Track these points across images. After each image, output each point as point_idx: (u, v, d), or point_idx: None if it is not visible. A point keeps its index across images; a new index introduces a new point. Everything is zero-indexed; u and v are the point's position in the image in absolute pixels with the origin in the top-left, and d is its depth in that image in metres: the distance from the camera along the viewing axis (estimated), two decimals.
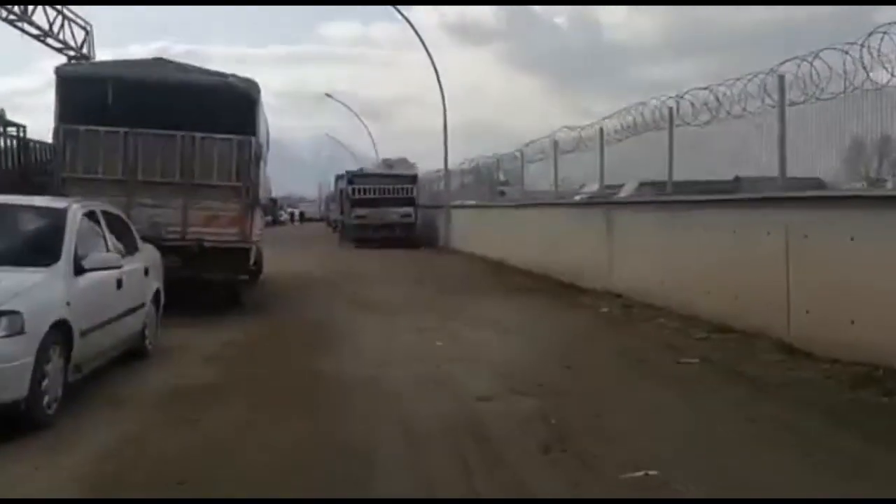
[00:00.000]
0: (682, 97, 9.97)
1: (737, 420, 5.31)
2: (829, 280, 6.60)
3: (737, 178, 11.17)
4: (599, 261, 12.18)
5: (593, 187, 16.06)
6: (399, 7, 26.40)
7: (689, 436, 4.96)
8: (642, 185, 13.98)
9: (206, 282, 10.84)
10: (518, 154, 17.81)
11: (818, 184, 7.67)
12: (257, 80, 11.11)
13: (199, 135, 10.60)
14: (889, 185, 8.06)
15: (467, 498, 4.13)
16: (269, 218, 58.92)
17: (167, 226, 10.52)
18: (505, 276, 15.48)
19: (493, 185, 23.72)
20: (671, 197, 10.00)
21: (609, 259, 11.86)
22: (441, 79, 26.49)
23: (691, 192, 11.88)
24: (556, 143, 14.85)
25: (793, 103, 7.26)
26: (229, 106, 10.74)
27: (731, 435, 4.99)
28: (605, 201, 12.14)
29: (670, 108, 10.12)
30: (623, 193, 14.75)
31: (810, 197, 7.14)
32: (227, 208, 10.69)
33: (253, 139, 10.76)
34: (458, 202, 24.89)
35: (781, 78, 7.37)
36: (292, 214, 71.14)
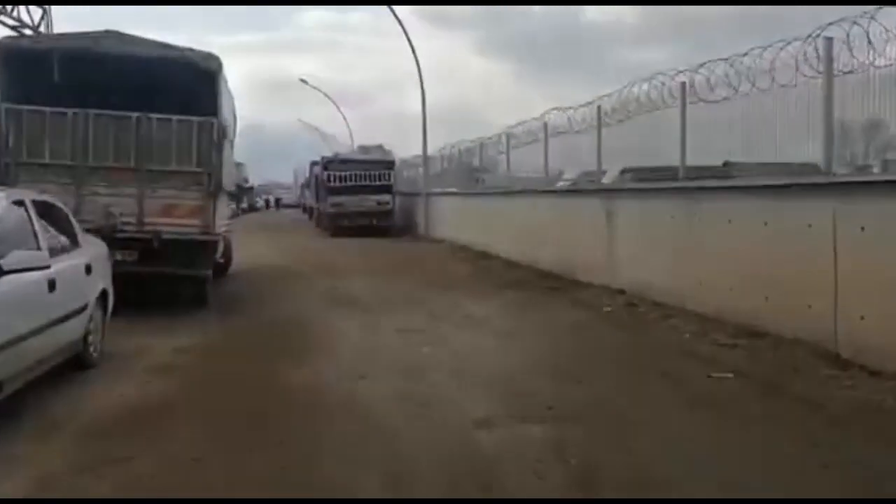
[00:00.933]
0: (696, 71, 8.93)
1: (817, 469, 4.17)
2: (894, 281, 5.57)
3: (726, 164, 10.50)
4: (598, 253, 11.16)
5: (572, 174, 15.25)
6: None
7: (762, 489, 3.91)
8: (625, 171, 13.08)
9: (166, 278, 9.67)
10: (503, 137, 16.71)
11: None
12: (228, 62, 9.93)
13: (155, 116, 9.38)
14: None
15: (467, 498, 3.89)
16: (243, 206, 57.72)
17: (122, 216, 9.31)
18: (492, 268, 14.42)
19: (471, 171, 22.67)
20: (687, 183, 8.97)
21: (609, 251, 10.85)
22: (417, 67, 25.23)
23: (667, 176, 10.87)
24: (545, 126, 13.79)
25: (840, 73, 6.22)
26: (188, 83, 9.50)
27: (819, 493, 3.87)
28: (605, 188, 11.10)
29: (683, 83, 9.08)
30: (606, 180, 13.77)
31: (872, 182, 6.11)
32: (187, 197, 9.49)
33: (215, 120, 9.54)
34: (438, 189, 23.76)
35: (829, 42, 6.32)
36: (268, 201, 69.68)
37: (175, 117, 9.42)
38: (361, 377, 6.29)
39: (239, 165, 78.73)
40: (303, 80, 44.52)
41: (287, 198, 70.05)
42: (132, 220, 9.35)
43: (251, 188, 73.03)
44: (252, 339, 8.13)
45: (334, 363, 6.85)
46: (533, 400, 5.54)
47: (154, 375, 6.40)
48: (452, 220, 20.95)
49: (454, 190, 21.61)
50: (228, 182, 11.26)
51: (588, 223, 11.53)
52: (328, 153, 33.70)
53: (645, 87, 9.76)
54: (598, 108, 11.35)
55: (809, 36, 6.51)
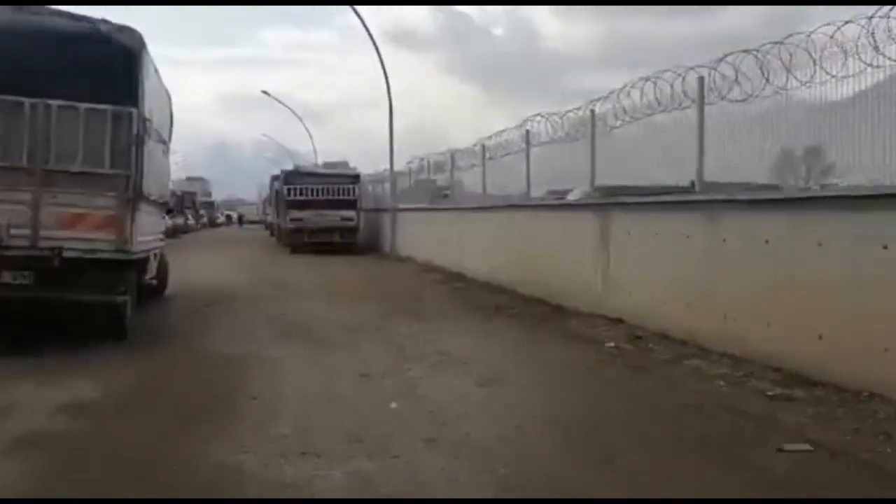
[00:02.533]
0: (714, 68, 7.33)
1: None
2: None
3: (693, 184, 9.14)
4: (590, 276, 9.46)
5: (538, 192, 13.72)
6: (339, 10, 23.29)
7: None
8: (598, 189, 11.46)
9: (71, 306, 7.69)
10: (478, 148, 15.00)
11: None
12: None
13: (55, 102, 7.41)
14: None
15: (467, 498, 3.73)
16: (204, 221, 55.30)
17: (11, 228, 7.31)
18: (467, 292, 12.62)
19: (437, 189, 21.06)
20: (706, 196, 7.30)
21: (604, 274, 9.14)
22: (385, 79, 23.44)
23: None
24: (527, 134, 12.10)
25: None
26: (102, 64, 7.58)
27: None
28: (600, 202, 9.39)
29: (700, 78, 7.46)
30: (571, 198, 12.14)
31: None
32: (97, 205, 7.53)
33: (134, 110, 7.62)
34: (405, 205, 21.94)
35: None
36: (229, 217, 67.32)
37: (82, 105, 7.47)
38: (304, 453, 4.43)
39: (202, 181, 76.57)
40: (265, 93, 42.44)
41: (251, 214, 67.90)
42: (25, 232, 7.35)
43: (212, 203, 70.96)
44: (168, 389, 6.17)
45: (270, 429, 4.96)
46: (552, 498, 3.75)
47: (18, 453, 4.45)
48: (422, 237, 19.14)
49: (424, 205, 19.82)
50: (157, 190, 9.29)
51: (578, 241, 9.84)
52: (291, 167, 31.67)
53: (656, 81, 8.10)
54: (592, 112, 9.68)
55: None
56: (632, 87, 8.63)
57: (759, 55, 6.98)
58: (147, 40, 7.97)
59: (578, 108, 10.14)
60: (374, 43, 23.07)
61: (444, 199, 20.03)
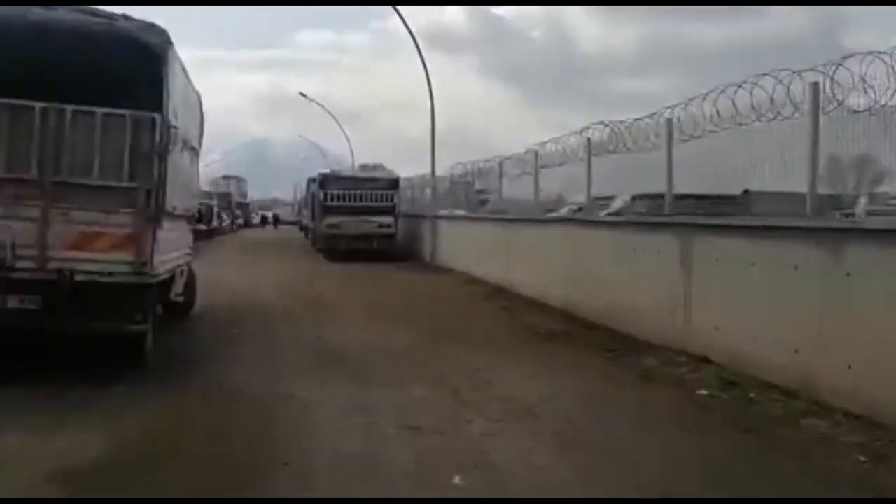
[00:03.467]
0: (828, 74, 6.15)
1: None
2: None
3: (746, 192, 8.53)
4: (666, 304, 8.31)
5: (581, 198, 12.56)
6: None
7: None
8: (636, 198, 10.79)
9: (82, 336, 6.83)
10: (528, 156, 13.89)
11: None
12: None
13: (69, 107, 6.55)
14: None
15: (467, 498, 3.72)
16: (239, 222, 54.93)
17: (17, 248, 6.45)
18: (517, 311, 11.53)
19: (475, 193, 20.13)
20: (823, 222, 6.12)
21: (684, 303, 7.99)
22: (423, 83, 22.46)
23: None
24: (588, 142, 10.98)
25: None
26: (120, 64, 6.72)
27: None
28: (681, 222, 8.22)
29: (815, 84, 6.26)
30: (614, 208, 11.19)
31: None
32: (113, 222, 6.65)
33: (158, 116, 6.71)
34: (445, 212, 20.93)
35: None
36: (265, 217, 66.99)
37: (100, 110, 6.60)
38: None
39: (238, 180, 76.32)
40: (302, 94, 41.85)
41: (286, 214, 67.47)
42: (32, 252, 6.49)
43: (247, 204, 70.72)
44: (182, 448, 5.19)
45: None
46: None
47: None
48: (464, 247, 18.08)
49: (465, 213, 18.78)
50: (184, 202, 8.40)
51: (652, 264, 8.70)
52: (328, 170, 30.87)
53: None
54: (668, 121, 8.53)
55: None
56: (721, 93, 7.46)
57: (891, 59, 5.80)
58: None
59: (651, 115, 8.99)
60: (417, 45, 22.07)
61: (484, 206, 19.02)
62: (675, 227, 8.29)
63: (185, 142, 7.98)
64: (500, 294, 13.46)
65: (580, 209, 13.36)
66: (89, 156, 6.60)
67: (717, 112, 7.48)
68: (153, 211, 6.71)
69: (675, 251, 8.17)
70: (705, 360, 7.43)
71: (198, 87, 9.36)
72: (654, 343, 8.43)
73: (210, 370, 7.32)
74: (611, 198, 12.15)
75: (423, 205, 24.64)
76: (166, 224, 7.13)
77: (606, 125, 10.65)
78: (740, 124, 7.25)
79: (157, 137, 6.71)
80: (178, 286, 9.45)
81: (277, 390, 6.57)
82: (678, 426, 5.67)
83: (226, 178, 72.77)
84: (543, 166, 13.27)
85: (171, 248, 7.76)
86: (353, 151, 44.15)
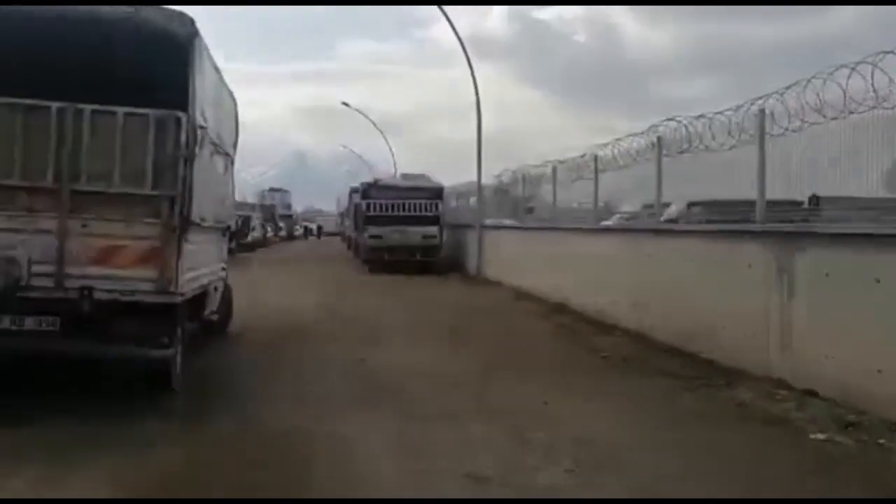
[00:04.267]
0: None
1: None
2: None
3: (815, 199, 7.50)
4: (758, 326, 7.31)
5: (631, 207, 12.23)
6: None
7: None
8: (693, 205, 10.04)
9: (102, 361, 6.19)
10: (586, 159, 12.96)
11: None
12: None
13: (88, 107, 5.92)
14: None
15: (467, 498, 3.80)
16: (282, 234, 54.98)
17: (31, 264, 5.82)
18: (577, 332, 10.58)
19: (518, 202, 19.30)
20: None
21: (783, 327, 6.97)
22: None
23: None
24: (658, 141, 10.01)
25: None
26: (142, 58, 6.05)
27: None
28: (778, 230, 7.21)
29: None
30: (668, 216, 10.34)
31: None
32: (135, 234, 5.99)
33: (183, 116, 6.03)
34: (493, 221, 20.07)
35: None
36: (308, 229, 67.04)
37: (120, 109, 5.95)
38: None
39: (282, 192, 76.61)
40: (345, 104, 41.54)
41: (329, 226, 67.45)
42: (48, 269, 5.86)
43: (291, 216, 70.91)
44: (204, 489, 4.45)
45: None
46: None
47: None
48: (514, 259, 17.16)
49: (515, 223, 17.89)
50: (215, 212, 7.71)
51: (740, 280, 7.70)
52: (371, 180, 30.30)
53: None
54: (761, 112, 7.53)
55: None
56: (827, 78, 6.46)
57: None
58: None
59: (738, 107, 8.01)
60: (465, 50, 21.31)
61: (530, 215, 18.17)
62: (769, 235, 7.27)
63: (215, 146, 7.30)
64: (556, 311, 12.52)
65: (631, 218, 12.75)
66: (110, 161, 5.95)
67: (821, 100, 6.47)
68: (179, 222, 6.01)
69: (769, 264, 7.16)
70: (811, 394, 6.41)
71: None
72: (742, 371, 7.43)
73: (244, 400, 6.57)
74: (663, 206, 11.32)
75: (466, 214, 23.86)
76: (194, 236, 6.43)
77: (679, 122, 9.68)
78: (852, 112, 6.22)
79: (183, 139, 6.02)
80: (213, 303, 8.79)
81: (318, 425, 5.79)
82: (799, 485, 4.67)
83: (271, 190, 73.26)
84: (602, 170, 12.33)
85: (201, 263, 7.07)
86: (395, 161, 43.62)
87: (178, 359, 6.59)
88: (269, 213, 50.11)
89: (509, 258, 17.79)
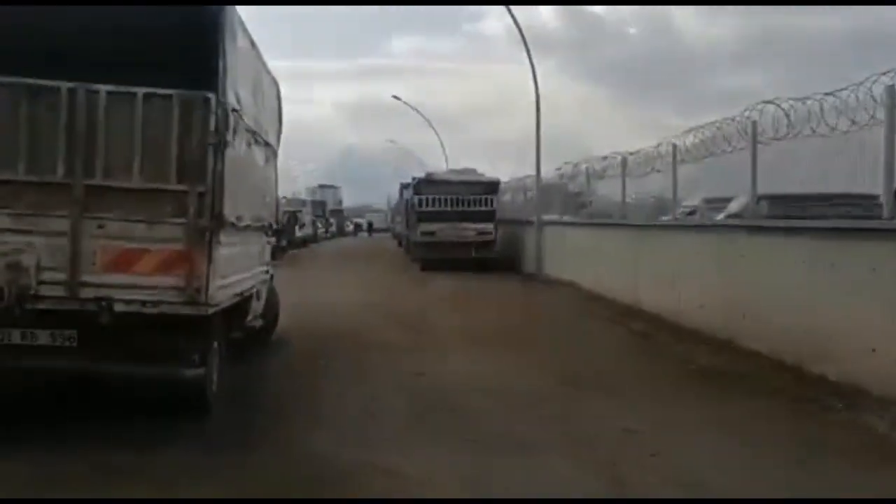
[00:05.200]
0: None
1: None
2: None
3: None
4: (886, 337, 6.09)
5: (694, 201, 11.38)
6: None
7: None
8: (762, 199, 8.96)
9: (125, 381, 5.39)
10: (663, 150, 11.75)
11: None
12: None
13: (104, 88, 5.10)
14: None
15: (467, 498, 3.72)
16: (332, 230, 54.80)
17: (40, 271, 5.04)
18: (657, 340, 9.41)
19: (573, 197, 18.39)
20: None
21: None
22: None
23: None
24: (753, 125, 8.77)
25: None
26: (165, 33, 5.23)
27: None
28: None
29: None
30: (732, 211, 9.66)
31: None
32: (159, 236, 5.15)
33: (212, 97, 5.16)
34: (554, 217, 18.92)
35: None
36: (357, 225, 66.78)
37: (140, 90, 5.11)
38: None
39: (334, 189, 76.50)
40: (395, 97, 40.88)
41: (379, 222, 67.12)
42: (59, 276, 5.06)
43: (341, 212, 70.73)
44: None
45: None
46: None
47: None
48: (578, 257, 15.97)
49: (578, 219, 16.73)
50: (254, 209, 6.84)
51: (861, 284, 6.48)
52: (422, 175, 29.43)
53: None
54: (891, 88, 6.27)
55: None
56: None
57: None
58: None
59: (857, 84, 6.77)
60: (526, 43, 20.12)
61: (585, 210, 17.10)
62: None
63: (253, 134, 6.43)
64: (629, 315, 11.36)
65: (692, 213, 11.69)
66: (128, 150, 5.12)
67: None
68: (209, 221, 5.14)
69: None
70: None
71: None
72: (861, 390, 6.22)
73: (287, 424, 5.67)
74: (725, 200, 10.36)
75: (519, 210, 22.77)
76: (228, 238, 5.55)
77: (779, 105, 8.43)
78: None
79: (213, 124, 5.15)
80: (256, 310, 7.96)
81: (372, 458, 4.86)
82: None
83: (322, 187, 73.40)
84: (681, 161, 11.11)
85: (239, 268, 6.21)
86: (446, 154, 42.69)
87: (214, 376, 5.76)
88: (319, 209, 49.82)
89: (572, 256, 16.64)
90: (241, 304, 6.79)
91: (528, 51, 20.15)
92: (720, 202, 10.57)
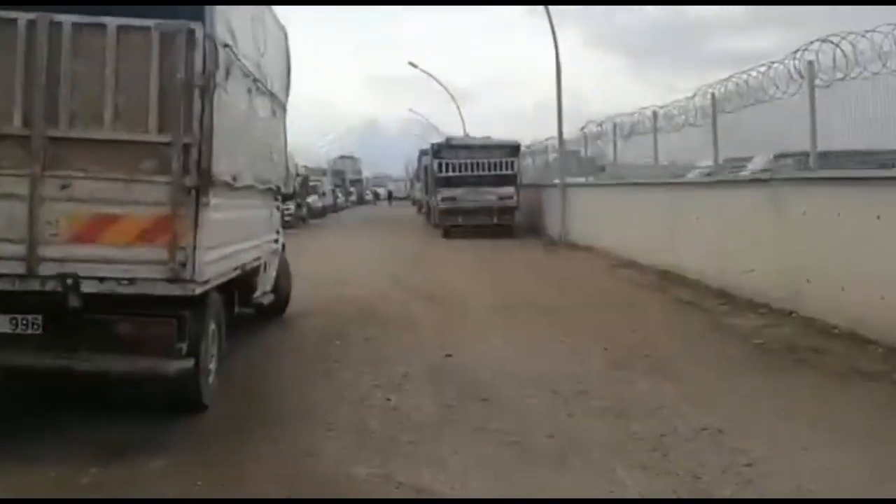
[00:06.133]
0: None
1: None
2: None
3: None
4: None
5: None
6: None
7: None
8: (779, 157, 8.71)
9: (99, 377, 4.42)
10: (698, 102, 10.53)
11: None
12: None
13: (69, 18, 4.07)
14: None
15: (467, 498, 3.43)
16: (352, 199, 54.10)
17: None
18: (708, 309, 8.32)
19: (587, 161, 17.79)
20: None
21: None
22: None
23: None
24: (811, 66, 7.56)
25: None
26: None
27: None
28: None
29: None
30: (752, 170, 9.18)
31: None
32: (136, 198, 4.15)
33: (198, 28, 4.11)
34: (581, 179, 17.75)
35: None
36: (376, 194, 66.00)
37: (113, 21, 4.08)
38: None
39: (353, 159, 75.99)
40: (411, 64, 39.24)
41: (398, 191, 66.30)
42: (16, 250, 4.09)
43: (361, 180, 69.86)
44: None
45: None
46: None
47: None
48: (607, 221, 14.83)
49: (605, 181, 15.55)
50: (255, 169, 5.79)
51: None
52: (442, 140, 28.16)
53: None
54: None
55: None
56: None
57: None
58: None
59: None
60: (549, 14, 18.74)
61: (603, 173, 16.04)
62: None
63: (254, 80, 5.37)
64: (669, 281, 10.28)
65: (710, 174, 10.82)
66: (99, 95, 4.11)
67: None
68: (196, 179, 4.13)
69: None
70: None
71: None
72: None
73: (297, 425, 4.69)
74: (744, 159, 9.70)
75: (541, 174, 21.59)
76: (221, 199, 4.53)
77: (835, 44, 7.21)
78: None
79: (199, 61, 4.10)
80: (265, 284, 7.01)
81: (391, 470, 3.88)
82: None
83: (342, 157, 72.93)
84: (724, 111, 9.89)
85: (238, 237, 5.21)
86: (464, 123, 41.25)
87: (211, 365, 4.81)
88: (339, 179, 48.96)
89: (599, 220, 15.50)
90: (246, 279, 5.82)
91: (550, 19, 18.77)
92: (736, 162, 9.91)
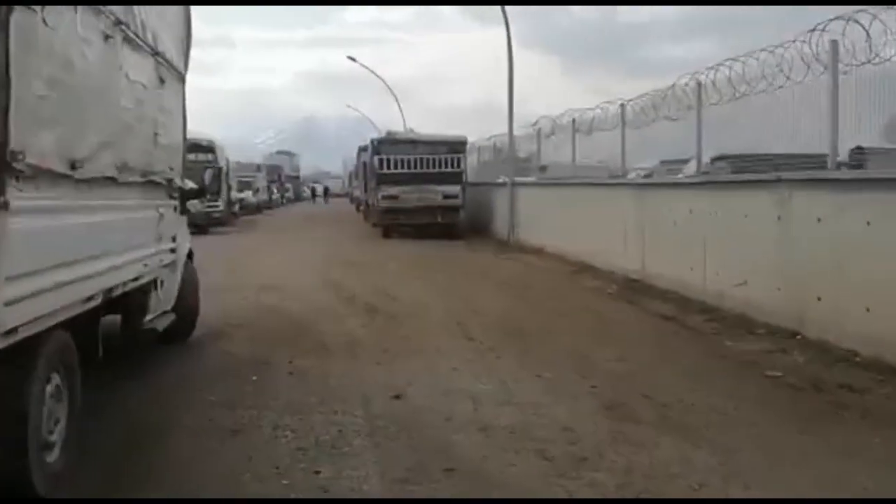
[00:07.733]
0: None
1: None
2: None
3: (859, 149, 6.38)
4: None
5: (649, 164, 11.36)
6: None
7: None
8: (716, 160, 8.57)
9: None
10: (677, 94, 9.27)
11: None
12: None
13: None
14: None
15: (467, 498, 3.22)
16: (289, 196, 51.74)
17: None
18: (698, 330, 7.01)
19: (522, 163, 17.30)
20: None
21: None
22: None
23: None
24: (833, 45, 6.28)
25: None
26: None
27: None
28: None
29: None
30: (689, 172, 9.07)
31: None
32: None
33: None
34: (529, 179, 16.41)
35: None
36: (314, 191, 63.79)
37: None
38: None
39: (290, 156, 74.24)
40: (350, 58, 37.26)
41: (336, 188, 64.29)
42: None
43: (297, 178, 67.48)
44: None
45: None
46: None
47: None
48: (561, 222, 13.45)
49: (559, 180, 14.22)
50: (128, 154, 4.06)
51: None
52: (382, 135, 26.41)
53: None
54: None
55: None
56: None
57: None
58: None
59: None
60: (505, 13, 17.33)
61: (543, 174, 15.43)
62: None
63: (118, 23, 3.64)
64: (639, 291, 8.97)
65: (648, 176, 10.75)
66: None
67: None
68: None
69: None
70: None
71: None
72: None
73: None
74: (681, 161, 9.77)
75: (488, 171, 20.25)
76: (43, 197, 2.82)
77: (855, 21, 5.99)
78: None
79: None
80: (159, 304, 5.27)
81: None
82: None
83: (278, 153, 70.68)
84: (690, 107, 8.74)
85: (93, 251, 3.47)
86: (405, 120, 39.55)
87: (55, 437, 3.11)
88: (274, 175, 46.73)
89: (550, 221, 14.16)
90: (127, 301, 4.10)
91: (505, 18, 17.38)
92: (673, 164, 10.15)
